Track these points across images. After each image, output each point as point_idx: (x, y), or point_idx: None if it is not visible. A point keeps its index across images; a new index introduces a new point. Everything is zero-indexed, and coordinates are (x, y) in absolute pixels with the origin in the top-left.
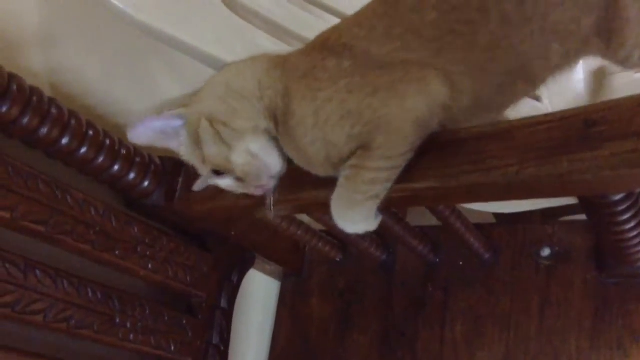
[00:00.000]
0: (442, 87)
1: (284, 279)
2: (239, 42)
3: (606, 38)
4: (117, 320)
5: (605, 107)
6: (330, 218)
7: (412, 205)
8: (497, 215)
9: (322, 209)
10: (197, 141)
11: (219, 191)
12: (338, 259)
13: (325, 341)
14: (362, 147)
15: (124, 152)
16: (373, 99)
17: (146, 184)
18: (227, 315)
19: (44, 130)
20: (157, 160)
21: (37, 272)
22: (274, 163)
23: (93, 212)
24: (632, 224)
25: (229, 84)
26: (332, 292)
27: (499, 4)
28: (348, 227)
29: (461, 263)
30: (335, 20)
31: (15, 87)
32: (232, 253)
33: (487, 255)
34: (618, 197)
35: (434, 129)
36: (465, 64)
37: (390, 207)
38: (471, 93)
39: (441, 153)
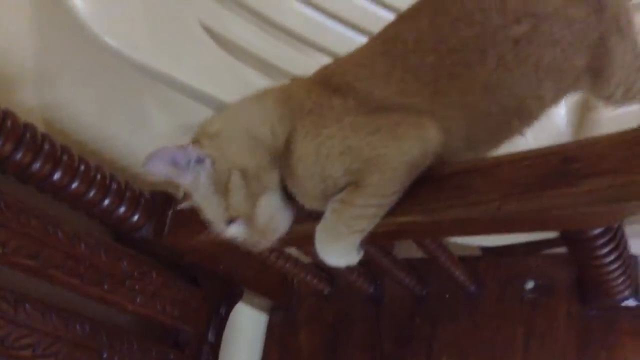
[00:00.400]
0: (437, 134)
1: (271, 312)
2: (230, 80)
3: (593, 75)
4: (105, 355)
5: (583, 144)
6: None
7: (396, 239)
8: (482, 248)
9: (311, 242)
10: (222, 189)
11: (207, 225)
12: (326, 292)
13: None
14: (354, 183)
15: (114, 186)
16: (374, 137)
17: (136, 217)
18: (214, 349)
19: (37, 166)
20: (147, 195)
21: (27, 306)
22: (286, 223)
23: (83, 247)
24: (612, 258)
25: (248, 130)
26: (321, 325)
27: (495, 46)
28: (330, 259)
29: (447, 296)
30: (324, 59)
31: (9, 123)
32: (221, 287)
33: (472, 288)
34: (597, 231)
35: (424, 170)
36: (460, 107)
37: (376, 241)
38: (465, 135)
39: (426, 188)
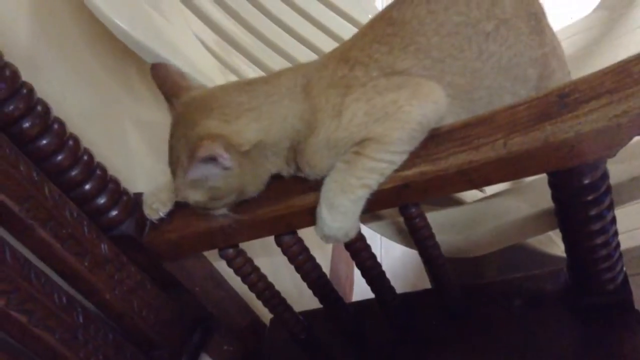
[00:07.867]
0: (445, 101)
1: None
2: None
3: None
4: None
5: (575, 81)
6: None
7: (402, 201)
8: None
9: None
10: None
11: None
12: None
13: None
14: (369, 139)
15: (99, 172)
16: (397, 94)
17: (115, 213)
18: None
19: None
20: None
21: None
22: None
23: (67, 214)
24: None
25: None
26: None
27: (476, 35)
28: (332, 223)
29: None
30: None
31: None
32: (196, 310)
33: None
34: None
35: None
36: (458, 86)
37: (379, 205)
38: (454, 112)
39: (428, 144)
